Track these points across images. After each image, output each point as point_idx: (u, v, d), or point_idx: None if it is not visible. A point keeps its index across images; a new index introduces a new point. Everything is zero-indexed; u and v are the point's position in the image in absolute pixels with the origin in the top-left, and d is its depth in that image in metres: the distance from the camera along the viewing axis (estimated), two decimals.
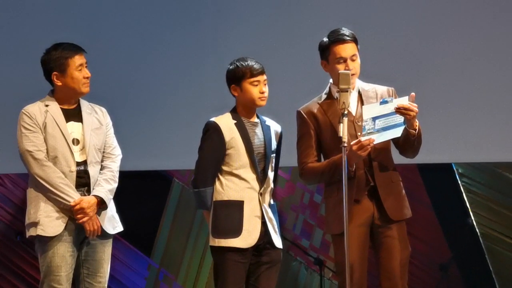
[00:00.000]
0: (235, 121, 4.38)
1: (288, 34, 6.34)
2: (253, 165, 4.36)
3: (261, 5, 6.44)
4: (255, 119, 4.45)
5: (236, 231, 4.31)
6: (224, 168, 4.37)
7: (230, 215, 4.33)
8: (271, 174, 4.43)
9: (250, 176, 4.36)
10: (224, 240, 4.32)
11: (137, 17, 6.58)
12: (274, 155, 4.46)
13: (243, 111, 4.42)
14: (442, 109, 6.14)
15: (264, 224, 4.36)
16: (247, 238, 4.32)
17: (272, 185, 4.46)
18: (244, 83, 4.36)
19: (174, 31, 6.53)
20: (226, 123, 4.38)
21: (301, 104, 4.44)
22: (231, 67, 4.40)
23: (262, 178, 4.38)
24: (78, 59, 4.45)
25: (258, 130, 4.43)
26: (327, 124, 4.32)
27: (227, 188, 4.36)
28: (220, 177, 4.38)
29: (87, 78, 4.47)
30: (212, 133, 4.36)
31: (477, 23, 6.16)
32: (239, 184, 4.35)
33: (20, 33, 6.59)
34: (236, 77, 4.36)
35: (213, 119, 4.42)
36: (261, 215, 4.36)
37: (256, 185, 4.37)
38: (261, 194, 4.37)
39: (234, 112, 4.42)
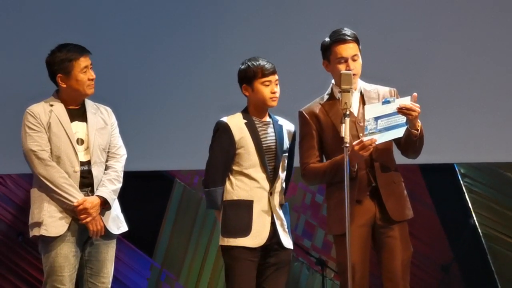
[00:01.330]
0: (246, 121, 4.38)
1: (289, 34, 6.34)
2: (263, 164, 4.35)
3: (262, 5, 6.45)
4: (267, 119, 4.45)
5: (245, 230, 4.30)
6: (235, 167, 4.37)
7: (240, 215, 4.33)
8: (282, 174, 4.43)
9: (260, 175, 4.35)
10: (233, 240, 4.32)
11: (138, 17, 6.58)
12: (286, 154, 4.46)
13: (255, 110, 4.41)
14: (444, 109, 6.14)
15: (273, 224, 4.36)
16: (256, 237, 4.31)
17: (284, 185, 4.45)
18: (255, 83, 4.35)
19: (175, 31, 6.53)
20: (236, 122, 4.37)
21: (303, 104, 4.44)
22: (242, 67, 4.40)
23: (272, 178, 4.37)
24: (83, 61, 4.44)
25: (270, 130, 4.42)
26: (329, 124, 4.32)
27: (237, 188, 4.35)
28: (231, 176, 4.38)
29: (92, 80, 4.46)
30: (222, 132, 4.37)
31: (478, 24, 6.17)
32: (248, 184, 4.35)
33: (23, 32, 6.59)
34: (248, 77, 4.36)
35: (223, 118, 4.42)
36: (270, 214, 4.36)
37: (266, 184, 4.36)
38: (271, 194, 4.36)
39: (245, 112, 4.42)
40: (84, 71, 4.44)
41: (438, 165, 6.29)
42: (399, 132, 4.20)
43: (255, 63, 4.36)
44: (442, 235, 6.43)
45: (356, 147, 4.12)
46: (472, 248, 6.39)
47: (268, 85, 4.35)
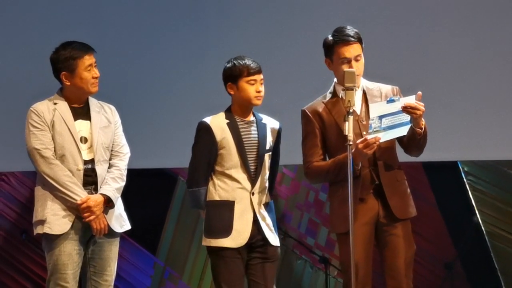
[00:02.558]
0: (228, 121, 4.38)
1: (292, 33, 6.33)
2: (245, 164, 4.35)
3: (263, 4, 6.44)
4: (251, 118, 4.43)
5: (226, 231, 4.31)
6: (217, 168, 4.37)
7: (221, 215, 4.33)
8: (265, 173, 4.42)
9: (241, 176, 4.35)
10: (214, 240, 4.32)
11: (140, 16, 6.58)
12: (270, 153, 4.44)
13: (239, 109, 4.41)
14: (447, 107, 6.13)
15: (256, 222, 4.35)
16: (237, 238, 4.31)
17: (266, 184, 4.44)
18: (240, 82, 4.35)
19: (177, 30, 6.53)
20: (218, 123, 4.37)
21: (305, 103, 4.44)
22: (228, 65, 4.40)
23: (254, 178, 4.36)
24: (87, 60, 4.45)
25: (253, 129, 4.41)
26: (332, 123, 4.32)
27: (219, 188, 4.36)
28: (213, 177, 4.38)
29: (96, 78, 4.47)
30: (204, 133, 4.37)
31: (483, 22, 6.16)
32: (230, 184, 4.35)
33: (26, 30, 6.59)
34: (233, 76, 4.36)
35: (205, 119, 4.41)
36: (252, 214, 4.35)
37: (247, 184, 4.35)
38: (253, 194, 4.36)
39: (229, 111, 4.42)
40: (88, 69, 4.44)
41: (442, 163, 6.29)
42: (403, 131, 4.20)
43: (241, 62, 4.35)
44: (445, 233, 6.43)
45: (360, 145, 4.13)
46: (475, 246, 6.39)
47: (253, 84, 4.34)
